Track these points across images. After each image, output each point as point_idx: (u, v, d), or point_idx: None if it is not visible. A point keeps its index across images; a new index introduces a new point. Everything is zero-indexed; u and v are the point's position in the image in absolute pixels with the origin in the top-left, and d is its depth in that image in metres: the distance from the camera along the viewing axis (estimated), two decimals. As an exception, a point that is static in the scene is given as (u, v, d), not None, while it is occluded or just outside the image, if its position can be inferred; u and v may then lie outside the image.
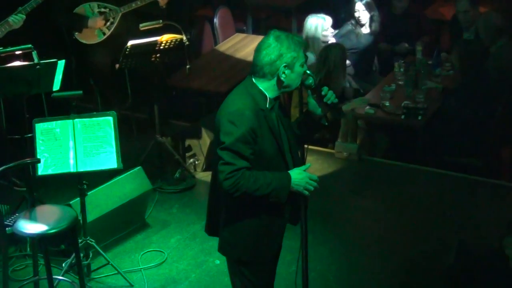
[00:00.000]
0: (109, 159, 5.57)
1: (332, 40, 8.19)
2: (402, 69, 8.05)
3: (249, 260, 4.37)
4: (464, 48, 7.33)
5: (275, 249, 4.49)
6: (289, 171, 4.20)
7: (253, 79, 4.19)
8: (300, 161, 4.36)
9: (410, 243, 6.31)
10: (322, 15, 8.23)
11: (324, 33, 8.14)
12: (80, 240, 5.65)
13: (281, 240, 4.52)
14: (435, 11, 9.89)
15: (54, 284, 5.48)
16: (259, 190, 4.08)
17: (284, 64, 4.12)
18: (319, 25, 8.15)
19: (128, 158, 5.99)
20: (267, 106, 4.17)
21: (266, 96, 4.18)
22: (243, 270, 4.40)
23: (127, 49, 6.72)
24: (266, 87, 4.18)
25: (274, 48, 4.11)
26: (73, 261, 5.68)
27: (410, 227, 6.53)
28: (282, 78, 4.14)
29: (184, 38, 6.88)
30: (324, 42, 8.11)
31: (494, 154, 7.29)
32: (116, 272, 5.88)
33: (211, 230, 4.52)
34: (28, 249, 6.03)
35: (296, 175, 4.18)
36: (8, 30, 6.60)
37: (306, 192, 4.20)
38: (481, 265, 5.32)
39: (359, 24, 8.51)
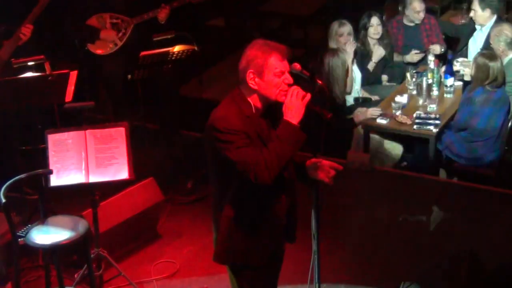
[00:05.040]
0: (121, 170, 5.57)
1: (350, 46, 8.12)
2: (414, 79, 8.03)
3: (243, 265, 4.38)
4: (478, 57, 7.31)
5: (269, 253, 4.41)
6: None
7: (240, 86, 4.22)
8: (294, 167, 4.35)
9: (422, 254, 6.28)
10: (343, 20, 8.21)
11: (340, 38, 8.11)
12: (92, 251, 5.65)
13: (277, 245, 4.47)
14: (448, 20, 9.88)
15: (67, 295, 5.48)
16: (278, 154, 4.06)
17: (250, 71, 4.12)
18: (334, 30, 8.15)
19: (140, 168, 5.99)
20: (253, 111, 4.17)
21: (249, 103, 4.18)
22: (241, 275, 4.41)
23: (139, 60, 6.74)
24: (248, 94, 4.18)
25: (246, 55, 4.14)
26: (85, 272, 5.68)
27: (422, 238, 6.50)
28: (251, 85, 4.14)
29: (196, 48, 6.89)
30: (339, 47, 8.09)
31: (508, 164, 7.26)
32: (129, 283, 5.88)
33: None
34: (40, 260, 6.03)
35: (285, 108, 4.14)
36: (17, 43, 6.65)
37: (308, 96, 4.12)
38: (494, 278, 5.30)
39: (371, 37, 8.49)
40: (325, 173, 4.30)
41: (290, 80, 4.16)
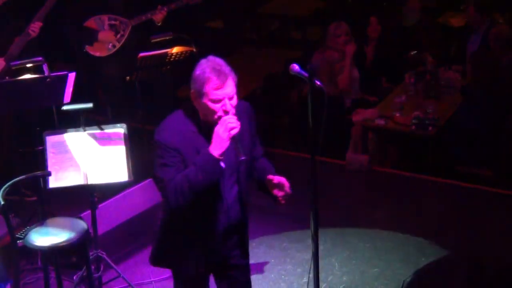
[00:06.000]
0: (120, 171, 5.57)
1: (349, 46, 8.13)
2: (412, 80, 8.03)
3: (175, 274, 4.47)
4: (477, 59, 7.32)
5: (198, 269, 4.38)
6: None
7: None
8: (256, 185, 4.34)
9: (421, 255, 6.27)
10: (338, 22, 8.22)
11: (338, 39, 8.12)
12: (91, 253, 5.65)
13: (208, 262, 4.39)
14: (445, 21, 9.90)
15: (65, 297, 5.48)
16: (190, 181, 4.04)
17: (192, 91, 4.10)
18: (333, 31, 8.16)
19: (139, 170, 5.98)
20: (201, 125, 4.13)
21: (198, 117, 4.15)
22: (175, 283, 4.49)
23: (138, 61, 6.74)
24: (198, 109, 4.15)
25: (193, 72, 4.10)
26: (84, 274, 5.67)
27: (421, 239, 6.50)
28: (194, 103, 4.13)
29: (194, 49, 6.89)
30: (337, 47, 8.11)
31: (506, 165, 7.27)
32: (127, 285, 5.87)
33: None
34: (39, 262, 6.03)
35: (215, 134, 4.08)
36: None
37: (235, 131, 4.04)
38: (494, 279, 5.30)
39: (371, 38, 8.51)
40: (277, 191, 4.26)
41: (228, 108, 4.07)
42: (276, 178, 4.24)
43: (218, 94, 4.04)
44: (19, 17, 6.91)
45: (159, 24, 7.41)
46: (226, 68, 4.09)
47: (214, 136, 4.04)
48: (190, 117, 4.16)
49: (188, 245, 4.31)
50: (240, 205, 4.34)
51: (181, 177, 4.05)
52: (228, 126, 4.03)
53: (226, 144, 4.04)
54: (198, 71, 4.08)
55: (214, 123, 4.08)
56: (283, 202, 4.27)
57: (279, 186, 4.25)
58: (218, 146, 4.04)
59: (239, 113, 4.19)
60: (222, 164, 4.10)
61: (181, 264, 4.38)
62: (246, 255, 4.52)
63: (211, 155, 4.03)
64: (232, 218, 4.31)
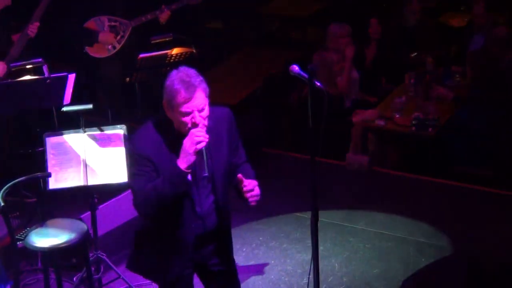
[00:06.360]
0: (120, 173, 5.56)
1: (350, 47, 8.14)
2: (412, 81, 8.03)
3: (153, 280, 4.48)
4: (476, 59, 7.32)
5: (172, 276, 4.36)
6: None
7: None
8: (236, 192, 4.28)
9: (421, 256, 6.27)
10: (340, 23, 8.22)
11: (341, 40, 8.12)
12: (91, 254, 5.65)
13: (182, 270, 4.37)
14: (445, 22, 9.89)
15: (66, 298, 5.48)
16: (158, 192, 4.03)
17: (164, 101, 4.06)
18: (335, 32, 8.15)
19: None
20: (175, 135, 4.09)
21: (173, 127, 4.11)
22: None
23: (137, 63, 6.74)
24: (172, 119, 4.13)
25: (165, 83, 4.07)
26: (84, 275, 5.67)
27: (421, 240, 6.49)
28: (166, 113, 4.09)
29: (194, 50, 6.89)
30: (340, 49, 8.10)
31: (506, 165, 7.26)
32: (128, 286, 5.87)
33: None
34: (39, 263, 6.03)
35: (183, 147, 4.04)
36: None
37: (201, 145, 3.99)
38: (493, 281, 5.30)
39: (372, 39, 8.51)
40: (247, 192, 4.20)
41: (197, 120, 4.02)
42: (246, 180, 4.18)
43: (187, 106, 3.99)
44: (18, 18, 6.92)
45: (163, 23, 7.42)
46: (196, 79, 4.02)
47: (182, 149, 4.01)
48: (166, 126, 4.12)
49: (163, 251, 4.30)
50: (217, 214, 4.29)
51: (150, 187, 4.05)
52: (194, 140, 3.98)
53: (192, 158, 4.00)
54: (168, 82, 4.03)
55: (187, 134, 4.04)
56: (253, 204, 4.19)
57: (249, 188, 4.18)
58: (184, 159, 4.01)
59: (217, 121, 4.18)
60: (189, 177, 4.07)
61: (156, 271, 4.37)
62: (228, 262, 4.48)
63: (178, 168, 4.01)
64: (208, 226, 4.28)
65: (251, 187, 4.17)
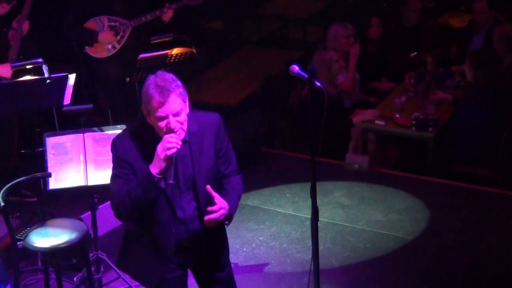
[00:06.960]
0: (119, 173, 5.56)
1: (354, 48, 8.14)
2: (412, 81, 8.03)
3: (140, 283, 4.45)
4: (476, 58, 7.31)
5: (155, 280, 4.34)
6: None
7: None
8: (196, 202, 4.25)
9: (421, 256, 6.27)
10: (344, 24, 8.21)
11: (345, 40, 8.12)
12: (91, 254, 5.65)
13: (165, 275, 4.34)
14: (446, 22, 9.90)
15: (66, 298, 5.48)
16: (131, 196, 4.06)
17: (142, 106, 4.09)
18: (339, 33, 8.14)
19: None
20: (155, 140, 4.08)
21: (154, 131, 4.12)
22: None
23: (138, 63, 6.74)
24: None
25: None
26: (84, 275, 5.67)
27: (421, 240, 6.50)
28: (146, 118, 4.11)
29: (194, 51, 6.89)
30: (345, 50, 8.10)
31: (505, 165, 7.26)
32: (128, 286, 5.87)
33: None
34: (40, 263, 6.03)
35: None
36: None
37: (171, 151, 3.99)
38: (493, 280, 5.29)
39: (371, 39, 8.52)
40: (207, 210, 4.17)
41: (172, 125, 4.01)
42: (217, 199, 4.14)
43: (162, 111, 3.99)
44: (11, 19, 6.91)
45: (167, 22, 7.42)
46: (171, 84, 4.01)
47: (156, 154, 4.02)
48: (148, 130, 4.13)
49: (144, 255, 4.30)
50: (201, 219, 4.24)
51: (125, 190, 4.07)
52: (165, 146, 3.99)
53: (162, 164, 4.01)
54: (144, 87, 4.05)
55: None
56: (206, 224, 4.17)
57: (212, 209, 4.14)
58: (156, 163, 4.02)
59: (202, 126, 4.18)
60: (162, 184, 4.07)
61: (140, 274, 4.38)
62: (221, 267, 4.46)
63: (149, 172, 4.02)
64: (192, 232, 4.27)
65: (215, 208, 4.14)
